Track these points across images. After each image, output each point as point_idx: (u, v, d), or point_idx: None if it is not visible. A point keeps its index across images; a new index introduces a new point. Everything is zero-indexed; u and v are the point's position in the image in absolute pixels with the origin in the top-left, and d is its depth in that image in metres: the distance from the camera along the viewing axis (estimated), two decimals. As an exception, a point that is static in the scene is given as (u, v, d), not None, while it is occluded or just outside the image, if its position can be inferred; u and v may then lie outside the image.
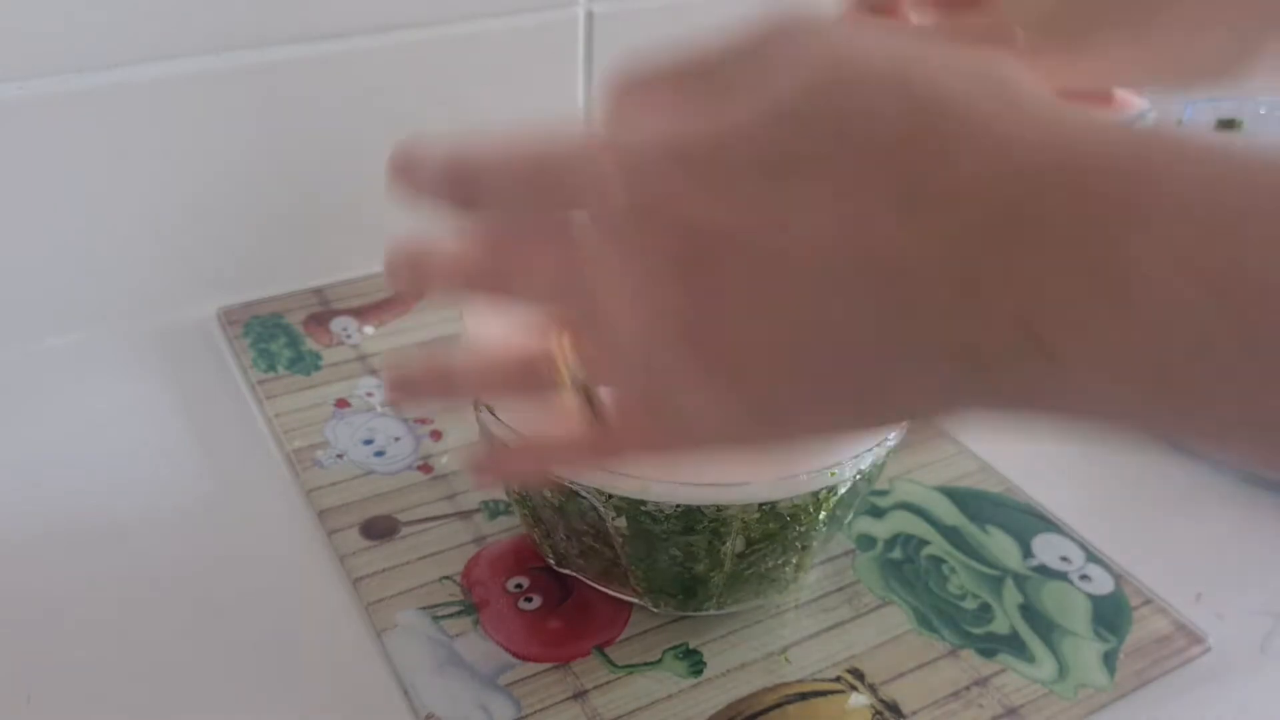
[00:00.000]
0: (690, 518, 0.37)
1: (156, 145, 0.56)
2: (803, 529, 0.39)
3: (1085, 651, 0.43)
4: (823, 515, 0.39)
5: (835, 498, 0.38)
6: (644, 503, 0.37)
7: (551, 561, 0.44)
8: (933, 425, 0.33)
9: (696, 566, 0.39)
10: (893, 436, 0.39)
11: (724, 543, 0.38)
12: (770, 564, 0.40)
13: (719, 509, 0.37)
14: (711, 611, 0.43)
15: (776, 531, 0.38)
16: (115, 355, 0.57)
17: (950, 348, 0.24)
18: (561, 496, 0.39)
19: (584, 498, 0.38)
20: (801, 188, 0.24)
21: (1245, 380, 0.21)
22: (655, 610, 0.43)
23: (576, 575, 0.44)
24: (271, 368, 0.56)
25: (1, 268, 0.55)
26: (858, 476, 0.39)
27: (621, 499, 0.37)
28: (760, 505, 0.37)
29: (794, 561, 0.41)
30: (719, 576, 0.40)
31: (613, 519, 0.38)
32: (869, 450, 0.38)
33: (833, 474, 0.37)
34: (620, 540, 0.39)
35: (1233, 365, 0.21)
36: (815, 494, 0.38)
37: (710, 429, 0.28)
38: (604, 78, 0.30)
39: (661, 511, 0.37)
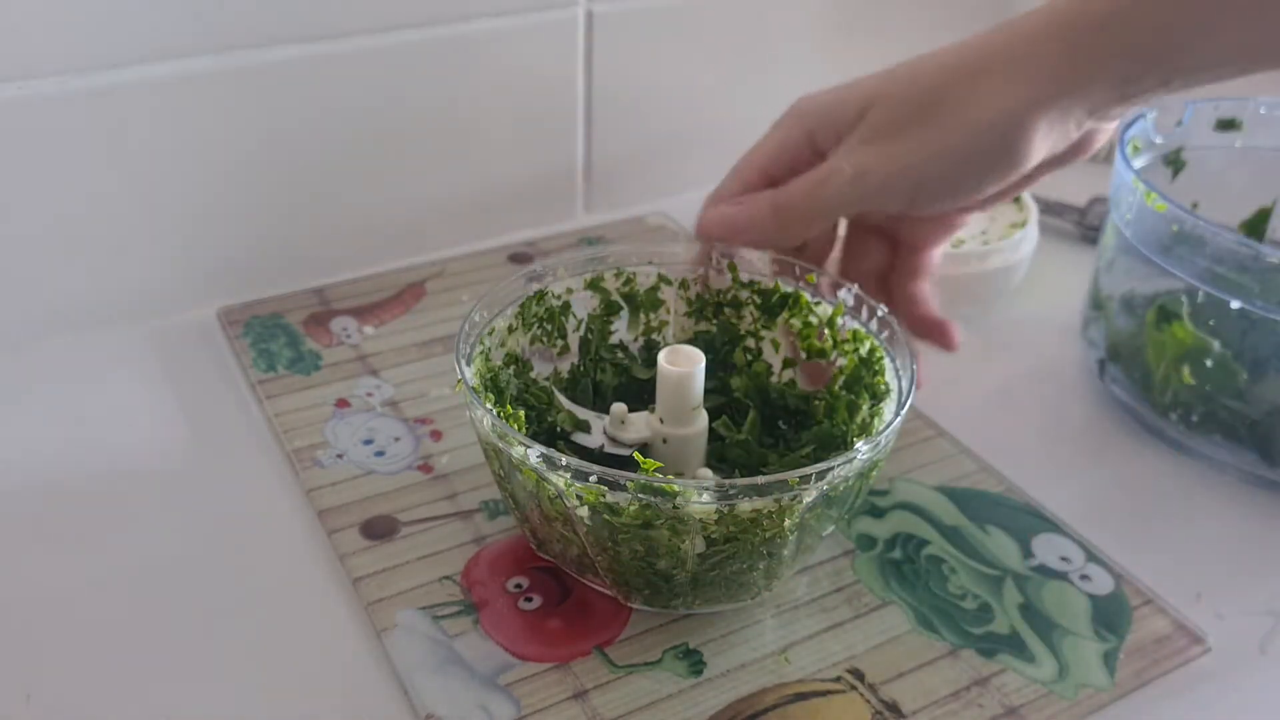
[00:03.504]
0: (648, 513, 0.37)
1: (156, 145, 0.56)
2: (767, 534, 0.39)
3: (1085, 651, 0.43)
4: (788, 523, 0.39)
5: (800, 505, 0.38)
6: (605, 494, 0.37)
7: (533, 545, 0.44)
8: None
9: (658, 563, 0.40)
10: (864, 448, 0.39)
11: (683, 540, 0.38)
12: (735, 567, 0.40)
13: (675, 506, 0.37)
14: (683, 610, 0.43)
15: (738, 534, 0.38)
16: (115, 355, 0.57)
17: None
18: (533, 483, 0.39)
19: (552, 484, 0.38)
20: None
21: None
22: (626, 603, 0.43)
23: (556, 561, 0.44)
24: (271, 368, 0.56)
25: (1, 268, 0.55)
26: (824, 488, 0.38)
27: (585, 488, 0.37)
28: (717, 506, 0.37)
29: (761, 567, 0.41)
30: (683, 575, 0.40)
31: (575, 508, 0.39)
32: (834, 464, 0.38)
33: (793, 483, 0.37)
34: (584, 530, 0.39)
35: None
36: (777, 500, 0.38)
37: None
38: None
39: (621, 505, 0.37)
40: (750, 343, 0.50)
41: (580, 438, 0.46)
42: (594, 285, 0.50)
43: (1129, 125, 0.58)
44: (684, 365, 0.44)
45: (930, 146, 0.40)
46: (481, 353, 0.45)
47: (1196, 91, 0.50)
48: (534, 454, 0.38)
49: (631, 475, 0.37)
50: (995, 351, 0.62)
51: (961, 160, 0.40)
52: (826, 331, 0.48)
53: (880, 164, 0.41)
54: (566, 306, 0.49)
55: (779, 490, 0.37)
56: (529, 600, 0.44)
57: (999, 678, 0.42)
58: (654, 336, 0.51)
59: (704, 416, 0.45)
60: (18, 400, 0.54)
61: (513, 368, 0.47)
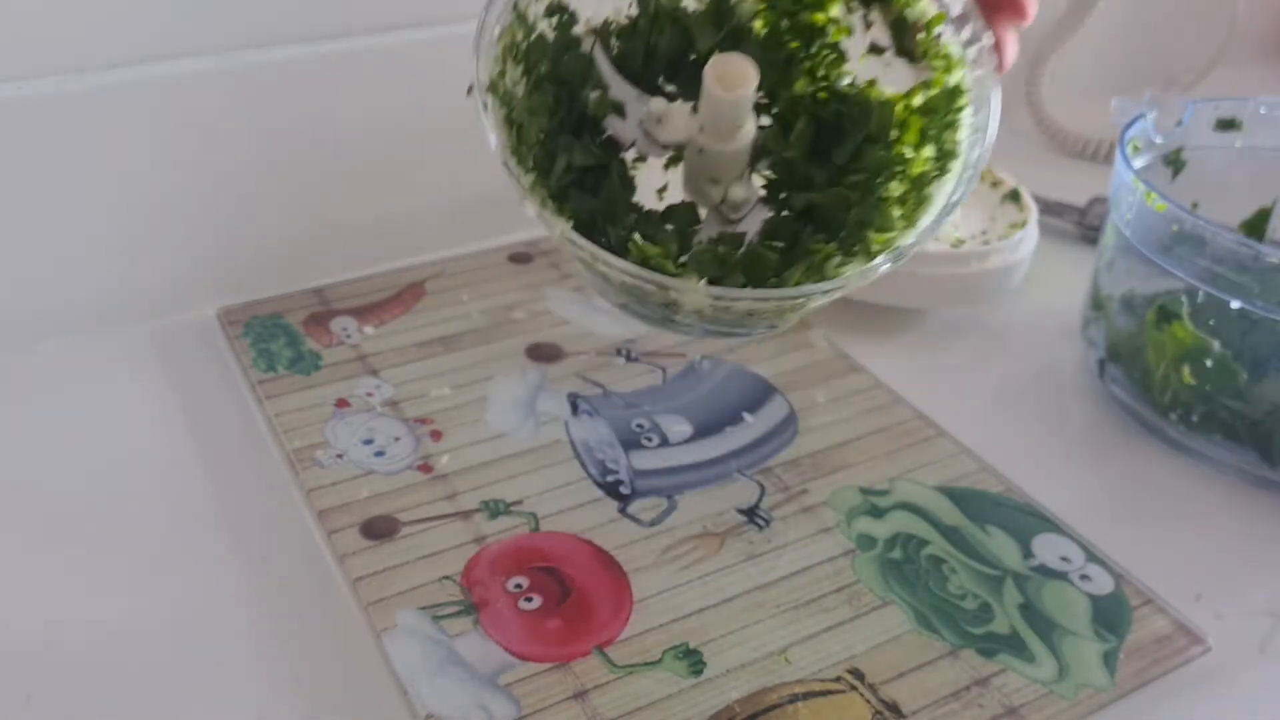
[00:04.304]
0: (638, 291, 0.35)
1: (157, 145, 0.56)
2: (768, 320, 0.37)
3: (1085, 651, 0.43)
4: (792, 315, 0.37)
5: (805, 307, 0.36)
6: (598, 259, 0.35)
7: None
8: None
9: (653, 316, 0.38)
10: (884, 262, 0.35)
11: (679, 312, 0.36)
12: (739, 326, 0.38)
13: (667, 300, 0.35)
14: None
15: (737, 316, 0.36)
16: (115, 355, 0.57)
17: None
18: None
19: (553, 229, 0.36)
20: None
21: None
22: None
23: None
24: (271, 368, 0.56)
25: (1, 267, 0.55)
26: (837, 292, 0.35)
27: (579, 250, 0.36)
28: (711, 302, 0.35)
29: (766, 323, 0.38)
30: (685, 317, 0.38)
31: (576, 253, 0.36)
32: (847, 281, 0.35)
33: (794, 302, 0.35)
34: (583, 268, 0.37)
35: None
36: (778, 305, 0.35)
37: None
38: None
39: (612, 277, 0.36)
40: (836, 12, 0.41)
41: (613, 124, 0.40)
42: None
43: (1129, 125, 0.58)
44: (733, 85, 0.37)
45: None
46: (516, 14, 0.39)
47: (1196, 91, 0.50)
48: (531, 207, 0.35)
49: (623, 265, 0.34)
50: (995, 351, 0.62)
51: None
52: (920, 36, 0.40)
53: None
54: None
55: (781, 299, 0.35)
56: (529, 600, 0.44)
57: (999, 678, 0.42)
58: None
59: (750, 131, 0.39)
60: (17, 400, 0.54)
61: (555, 18, 0.40)
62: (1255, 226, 0.61)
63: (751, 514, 0.49)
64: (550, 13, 0.40)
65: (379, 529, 0.47)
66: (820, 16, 0.41)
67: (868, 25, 0.41)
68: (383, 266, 0.64)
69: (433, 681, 0.40)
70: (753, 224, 0.38)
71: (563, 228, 0.35)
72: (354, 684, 0.41)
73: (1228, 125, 0.60)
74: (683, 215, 0.39)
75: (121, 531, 0.47)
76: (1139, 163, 0.58)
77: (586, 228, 0.37)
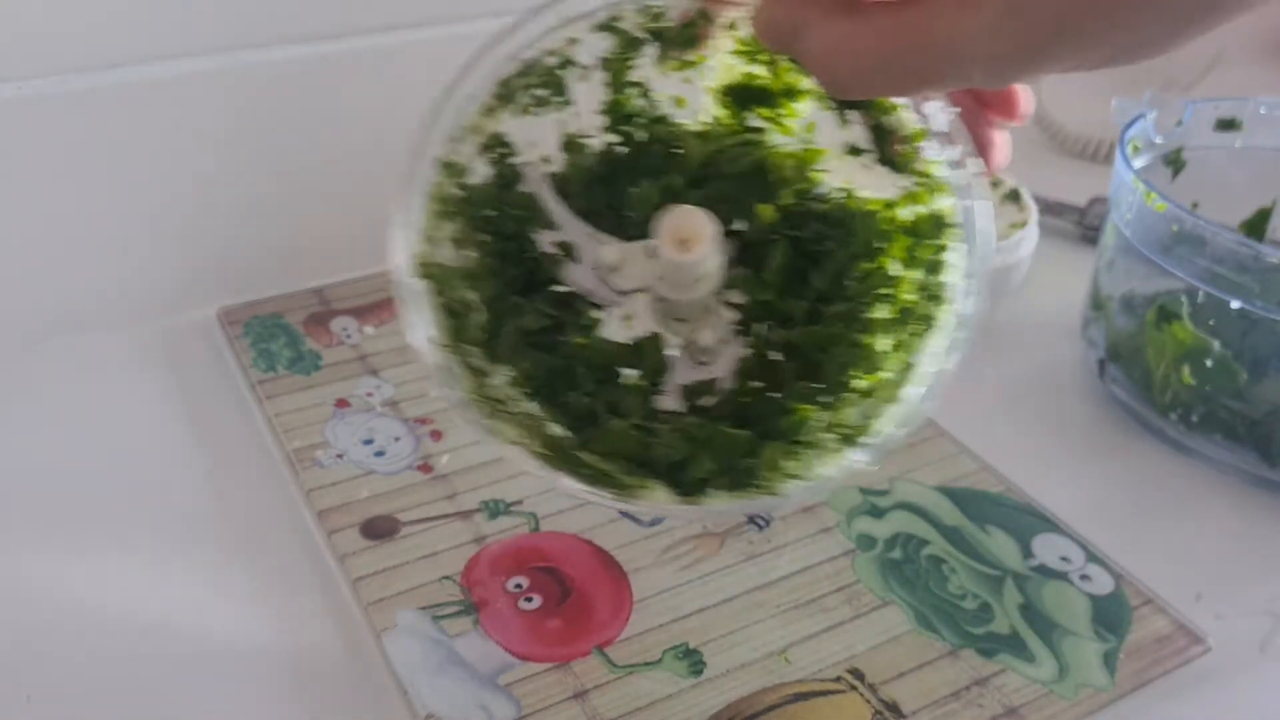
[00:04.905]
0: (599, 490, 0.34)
1: (157, 145, 0.56)
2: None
3: (1085, 651, 0.43)
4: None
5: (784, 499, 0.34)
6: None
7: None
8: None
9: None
10: (862, 456, 0.33)
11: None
12: None
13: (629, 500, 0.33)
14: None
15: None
16: (115, 355, 0.57)
17: None
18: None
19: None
20: None
21: None
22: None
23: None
24: (271, 368, 0.56)
25: (1, 267, 0.55)
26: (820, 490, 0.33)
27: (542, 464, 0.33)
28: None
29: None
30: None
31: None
32: (824, 480, 0.33)
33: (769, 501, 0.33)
34: None
35: None
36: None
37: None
38: None
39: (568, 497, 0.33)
40: (803, 106, 0.37)
41: (567, 271, 0.36)
42: (608, 27, 0.36)
43: (1129, 125, 0.58)
44: (689, 244, 0.33)
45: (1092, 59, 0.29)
46: (444, 165, 0.36)
47: (1196, 91, 0.50)
48: (469, 420, 0.33)
49: (578, 490, 0.32)
50: (995, 351, 0.62)
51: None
52: (899, 148, 0.36)
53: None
54: (567, 62, 0.37)
55: (754, 507, 0.33)
56: (529, 600, 0.44)
57: (999, 678, 0.42)
58: (686, 84, 0.37)
59: (714, 276, 0.35)
60: (18, 401, 0.54)
61: (492, 153, 0.37)
62: (1255, 226, 0.61)
63: (751, 514, 0.49)
64: (487, 149, 0.36)
65: (379, 529, 0.47)
66: (785, 130, 0.37)
67: (844, 122, 0.36)
68: (383, 266, 0.63)
69: (433, 681, 0.40)
70: (727, 361, 0.35)
71: (519, 457, 0.33)
72: (354, 684, 0.41)
73: (1228, 125, 0.60)
74: (649, 354, 0.36)
75: (121, 531, 0.47)
76: (1139, 163, 0.58)
77: (546, 385, 0.35)
